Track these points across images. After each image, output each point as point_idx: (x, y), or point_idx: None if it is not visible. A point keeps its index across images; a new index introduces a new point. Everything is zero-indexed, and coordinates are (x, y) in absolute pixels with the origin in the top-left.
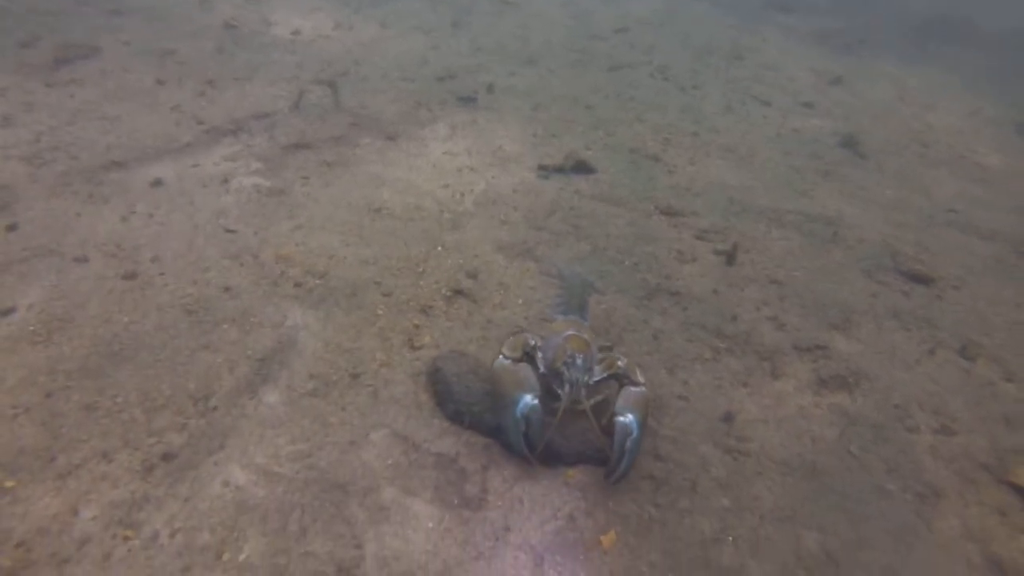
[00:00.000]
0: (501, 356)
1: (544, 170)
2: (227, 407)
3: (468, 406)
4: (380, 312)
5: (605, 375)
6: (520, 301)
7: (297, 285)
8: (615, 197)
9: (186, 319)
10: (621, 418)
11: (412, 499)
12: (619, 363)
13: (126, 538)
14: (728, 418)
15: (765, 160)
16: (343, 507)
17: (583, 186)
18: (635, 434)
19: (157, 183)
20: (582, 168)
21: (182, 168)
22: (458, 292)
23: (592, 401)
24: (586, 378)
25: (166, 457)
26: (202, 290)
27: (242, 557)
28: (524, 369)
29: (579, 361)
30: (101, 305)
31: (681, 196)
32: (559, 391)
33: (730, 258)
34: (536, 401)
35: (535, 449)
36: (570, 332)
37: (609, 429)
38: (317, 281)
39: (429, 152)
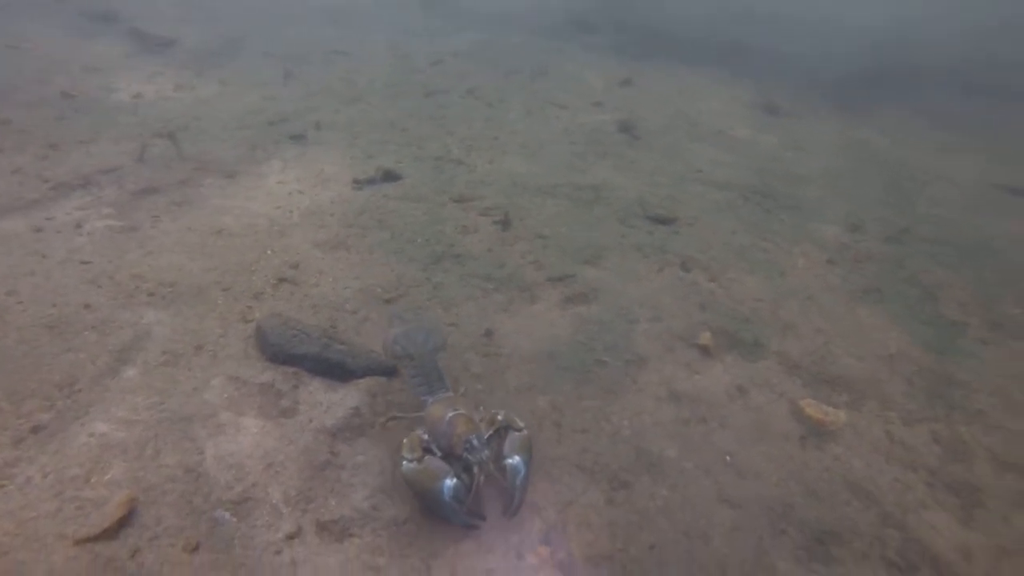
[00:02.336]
0: (404, 461)
1: (358, 183)
2: (90, 387)
3: (280, 347)
4: (220, 302)
5: (491, 431)
6: (331, 279)
7: (150, 294)
8: (416, 195)
9: (48, 333)
10: (510, 460)
11: (242, 417)
12: (499, 417)
13: (1, 486)
14: (488, 333)
15: (552, 151)
16: (188, 431)
17: (390, 191)
18: (523, 472)
19: (6, 236)
20: (390, 177)
21: (32, 220)
22: (283, 280)
23: (492, 462)
24: (486, 453)
25: (35, 430)
26: (62, 310)
27: (107, 477)
28: (430, 462)
29: (476, 443)
30: None
31: (474, 187)
32: (468, 469)
33: (505, 225)
34: (455, 480)
35: (475, 514)
36: (450, 415)
37: (501, 471)
38: (168, 289)
39: (264, 184)
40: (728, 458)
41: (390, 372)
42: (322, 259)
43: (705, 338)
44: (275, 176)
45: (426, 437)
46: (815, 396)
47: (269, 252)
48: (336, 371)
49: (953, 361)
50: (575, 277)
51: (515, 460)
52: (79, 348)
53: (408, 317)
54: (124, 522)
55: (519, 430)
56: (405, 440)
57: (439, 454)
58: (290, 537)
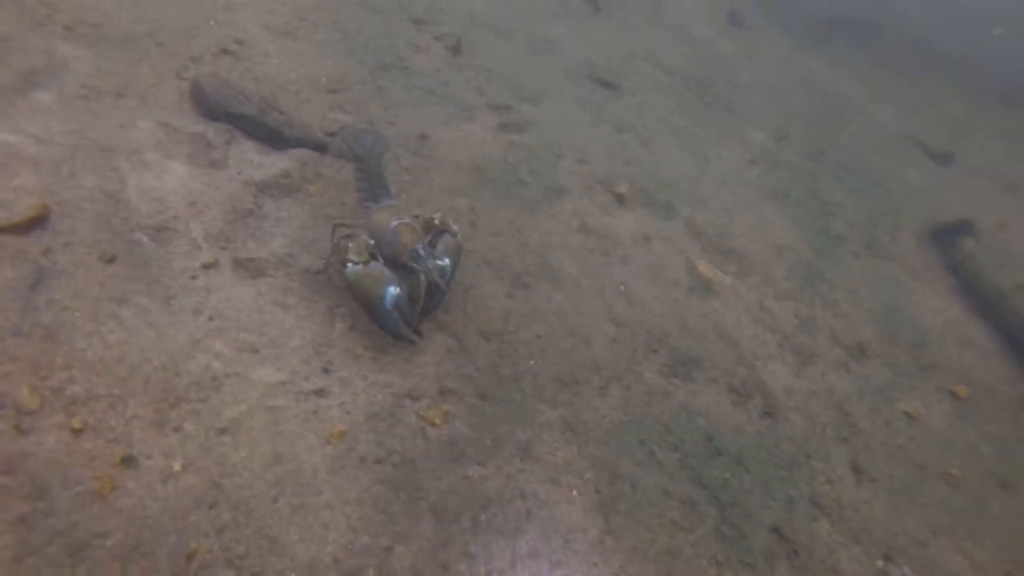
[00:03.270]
0: (350, 264)
1: None
2: None
3: (217, 103)
4: (153, 55)
5: (430, 236)
6: (276, 62)
7: (67, 28)
8: (374, 7)
9: None
10: (440, 261)
11: (170, 161)
12: (435, 221)
13: None
14: (423, 137)
15: (513, 2)
16: (111, 160)
17: None
18: (449, 273)
19: None
20: None
21: None
22: (225, 51)
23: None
24: (432, 262)
25: None
26: None
27: (15, 182)
28: (375, 267)
29: (421, 251)
30: None
31: (432, 13)
32: (414, 278)
33: (455, 51)
34: (399, 290)
35: (412, 328)
36: (396, 223)
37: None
38: (89, 29)
39: None
40: (622, 287)
41: (322, 147)
42: (269, 42)
43: (623, 188)
44: None
45: (372, 243)
46: (710, 260)
47: (212, 23)
48: (271, 136)
49: (828, 263)
50: (513, 109)
51: (444, 262)
52: None
53: (355, 126)
54: (36, 223)
55: (453, 234)
56: (351, 243)
57: (383, 261)
58: (206, 267)
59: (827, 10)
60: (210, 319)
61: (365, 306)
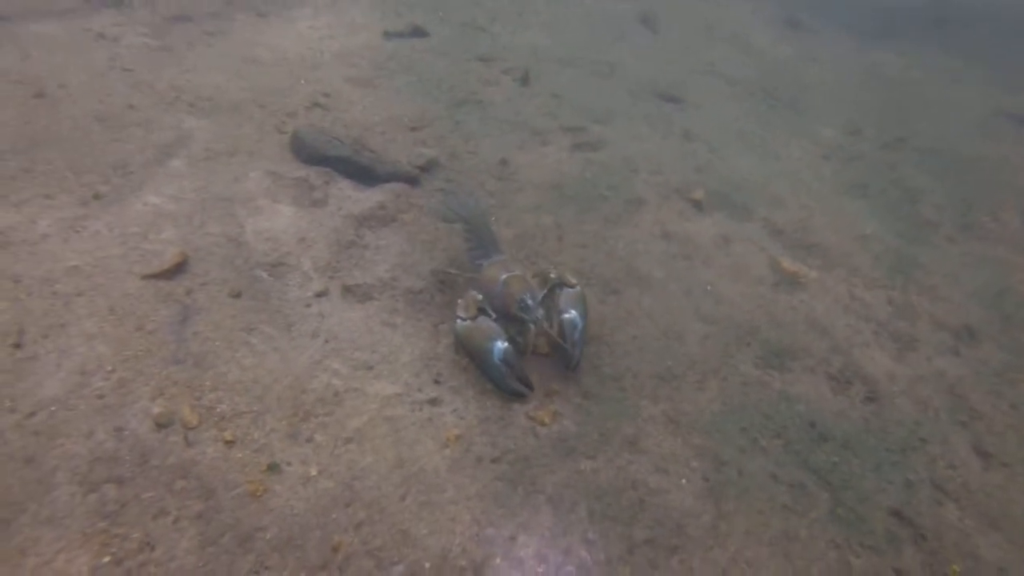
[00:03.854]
0: (459, 319)
1: (387, 35)
2: (141, 171)
3: (314, 148)
4: (256, 116)
5: (545, 289)
6: (360, 108)
7: (190, 105)
8: (443, 51)
9: (98, 124)
10: (566, 315)
11: (278, 204)
12: (551, 275)
13: (76, 231)
14: (504, 163)
15: (572, 30)
16: (230, 209)
17: (418, 44)
18: (580, 325)
19: (46, 37)
20: (418, 32)
21: (70, 28)
22: (316, 104)
23: (549, 321)
24: (540, 312)
25: (96, 196)
26: (108, 107)
27: (162, 236)
28: (484, 321)
29: (530, 302)
30: (18, 113)
31: (497, 51)
32: (524, 329)
33: (524, 81)
34: (507, 344)
35: (522, 380)
36: (505, 276)
37: (557, 326)
38: (206, 102)
39: (295, 27)
40: (708, 287)
41: (413, 180)
42: (352, 92)
43: (699, 194)
44: (306, 21)
45: (480, 298)
46: (792, 256)
47: (302, 82)
48: (364, 174)
49: (919, 249)
50: (585, 130)
51: (571, 314)
52: (127, 140)
53: (453, 188)
54: (178, 269)
55: (572, 286)
56: (460, 300)
57: (493, 316)
58: (319, 295)
59: (887, 2)
60: (326, 341)
61: (474, 360)
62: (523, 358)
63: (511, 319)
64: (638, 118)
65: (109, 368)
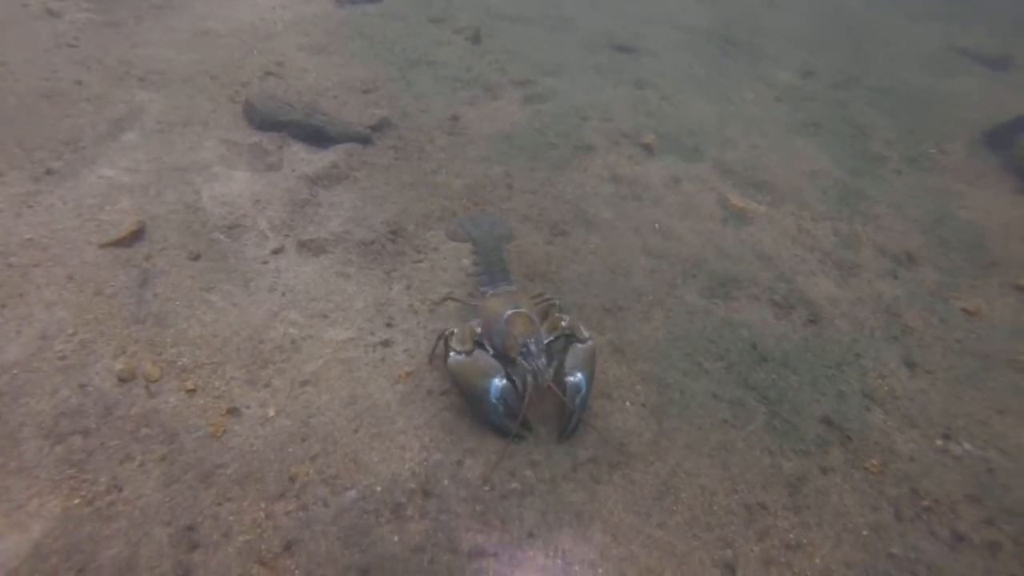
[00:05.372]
0: (453, 353)
1: (340, 2)
2: (94, 145)
3: (267, 114)
4: (209, 87)
5: (552, 337)
6: (313, 74)
7: (141, 79)
8: (395, 14)
9: (45, 101)
10: (571, 377)
11: (233, 170)
12: (563, 323)
13: (29, 206)
14: (455, 118)
15: (540, 34)
16: (186, 178)
17: (371, 9)
18: (584, 391)
19: None
20: None
21: (8, 3)
22: (269, 73)
23: (549, 371)
24: (542, 360)
25: (49, 172)
26: (55, 84)
27: (118, 206)
28: (481, 356)
29: (533, 347)
30: None
31: (450, 11)
32: (521, 375)
33: (475, 39)
34: (505, 381)
35: (516, 419)
36: (510, 312)
37: (560, 385)
38: (158, 76)
39: None
40: (656, 225)
41: (365, 140)
42: (305, 59)
43: (649, 138)
44: None
45: (479, 331)
46: (742, 193)
47: (255, 52)
48: (317, 136)
49: (866, 182)
50: (536, 83)
51: (577, 377)
52: (78, 115)
53: (475, 213)
54: (136, 237)
55: (583, 341)
56: (456, 330)
57: (491, 351)
58: (275, 252)
59: None
60: (283, 295)
61: (468, 399)
62: (521, 402)
63: (510, 361)
64: (590, 69)
65: (70, 331)
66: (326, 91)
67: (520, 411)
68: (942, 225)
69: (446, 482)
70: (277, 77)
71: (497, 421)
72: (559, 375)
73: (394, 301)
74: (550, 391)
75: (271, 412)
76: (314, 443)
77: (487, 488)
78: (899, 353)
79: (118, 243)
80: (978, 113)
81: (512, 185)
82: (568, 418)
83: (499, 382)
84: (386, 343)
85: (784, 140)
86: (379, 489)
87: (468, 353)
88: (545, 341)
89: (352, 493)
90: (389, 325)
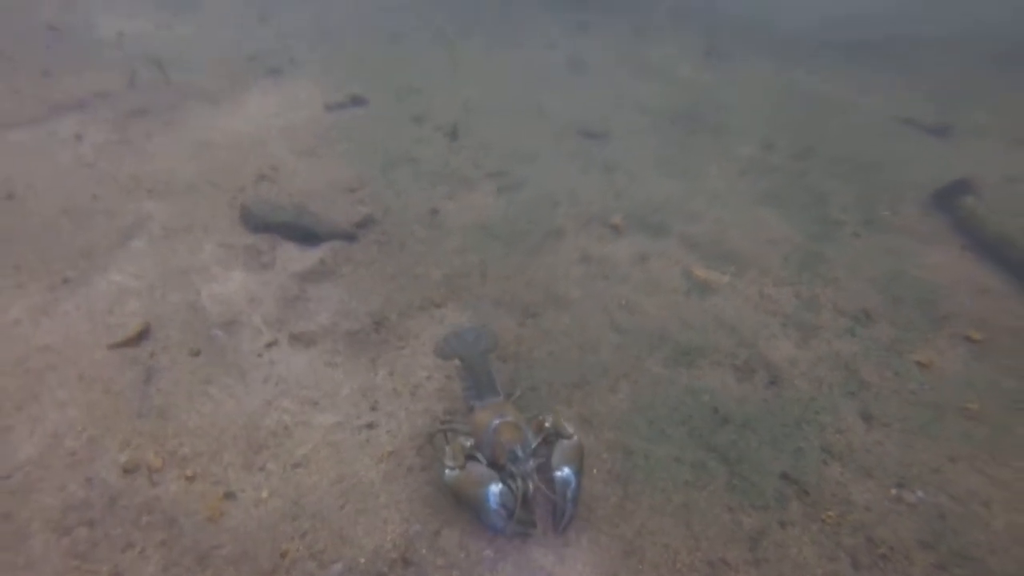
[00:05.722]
0: (447, 470)
1: (329, 107)
2: (106, 254)
3: (260, 217)
4: (209, 193)
5: (539, 439)
6: (303, 177)
7: (149, 191)
8: (381, 115)
9: (64, 217)
10: (559, 473)
11: (230, 271)
12: (547, 424)
13: (46, 314)
14: (434, 212)
15: (503, 80)
16: (187, 279)
17: (357, 113)
18: (573, 484)
19: (16, 144)
20: (358, 102)
21: (37, 133)
22: (263, 177)
23: (538, 472)
24: (531, 464)
25: (65, 281)
26: (74, 201)
27: (126, 309)
28: (473, 468)
29: (520, 453)
30: None
31: (429, 109)
32: (514, 479)
33: (452, 136)
34: (501, 486)
35: (524, 520)
36: (497, 422)
37: (548, 482)
38: (163, 186)
39: (245, 109)
40: (623, 302)
41: (351, 236)
42: (296, 163)
43: (617, 219)
44: (254, 103)
45: (470, 444)
46: (706, 265)
47: (251, 158)
48: (306, 235)
49: (826, 246)
50: (509, 173)
51: (564, 472)
52: (92, 228)
53: (460, 325)
54: (142, 336)
55: (568, 437)
56: (448, 447)
57: (484, 462)
58: (269, 345)
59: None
60: (276, 384)
61: (469, 509)
62: (518, 503)
63: (500, 469)
64: (560, 156)
65: (79, 429)
66: (315, 192)
67: (517, 512)
68: (896, 283)
69: (424, 551)
70: (271, 181)
71: (500, 525)
72: (547, 472)
73: (378, 386)
74: (546, 487)
75: (264, 494)
76: (304, 521)
77: (463, 555)
78: (856, 407)
79: (125, 343)
80: (926, 176)
81: (486, 273)
82: (560, 513)
83: (495, 488)
84: (371, 425)
85: (747, 211)
86: (363, 560)
87: (461, 467)
88: (533, 445)
89: (338, 566)
90: (374, 409)
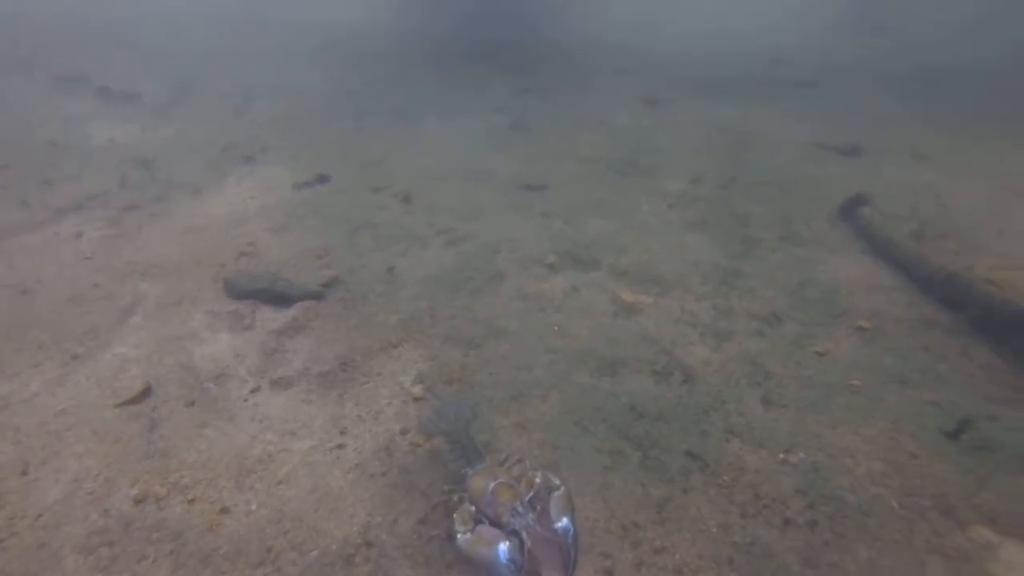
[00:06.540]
0: (459, 535)
1: (297, 186)
2: (108, 331)
3: (241, 286)
4: (195, 271)
5: (531, 493)
6: (277, 250)
7: (142, 274)
8: (343, 190)
9: (70, 304)
10: (559, 524)
11: (217, 333)
12: (536, 480)
13: (60, 385)
14: (390, 269)
15: (453, 148)
16: (180, 344)
17: (322, 189)
18: (572, 531)
19: (28, 247)
20: (322, 179)
21: (44, 235)
22: (242, 254)
23: (539, 522)
24: (531, 516)
25: (75, 357)
26: (77, 290)
27: (129, 375)
28: (482, 530)
29: (520, 508)
30: (6, 308)
31: (386, 179)
32: (517, 534)
33: (406, 200)
34: (508, 543)
35: (529, 572)
36: (492, 485)
37: (552, 532)
38: (155, 268)
39: (224, 195)
40: (556, 328)
41: (319, 296)
42: (271, 238)
43: (551, 259)
44: (232, 188)
45: (473, 509)
46: (633, 290)
47: (231, 238)
48: (281, 299)
49: (744, 263)
50: (456, 229)
51: (563, 523)
52: (95, 311)
53: (439, 395)
54: (144, 395)
55: (556, 489)
56: (456, 514)
57: (486, 522)
58: (253, 391)
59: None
60: (260, 422)
61: (482, 567)
62: (523, 555)
63: (504, 526)
64: (504, 210)
65: (96, 473)
66: (287, 261)
67: (525, 564)
68: (804, 288)
69: (385, 536)
70: (249, 256)
71: None
72: (549, 524)
73: (346, 415)
74: (548, 539)
75: (254, 507)
76: (286, 523)
77: (415, 536)
78: (759, 395)
79: (130, 402)
80: (836, 193)
81: (435, 315)
82: (566, 557)
83: (504, 545)
84: (340, 446)
85: (674, 240)
86: (334, 547)
87: (471, 531)
88: (527, 498)
89: (314, 553)
90: (343, 433)
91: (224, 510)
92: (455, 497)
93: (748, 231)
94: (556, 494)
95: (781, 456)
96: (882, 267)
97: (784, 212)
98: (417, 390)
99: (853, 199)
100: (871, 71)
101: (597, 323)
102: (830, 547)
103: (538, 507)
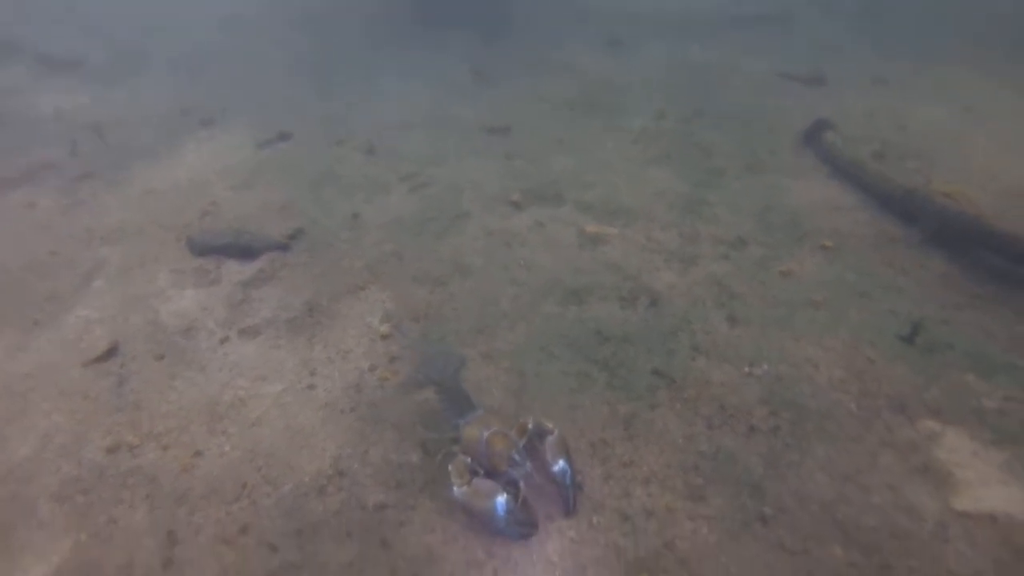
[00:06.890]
0: (455, 488)
1: (259, 145)
2: (70, 296)
3: (204, 243)
4: (158, 234)
5: (525, 440)
6: (240, 206)
7: (103, 239)
8: (305, 144)
9: (29, 272)
10: (556, 467)
11: (183, 290)
12: (528, 425)
13: (22, 350)
14: (355, 216)
15: (416, 99)
16: (146, 303)
17: (284, 146)
18: (569, 472)
19: None
20: (284, 137)
21: None
22: (206, 213)
23: (536, 468)
24: (528, 465)
25: (36, 323)
26: (35, 258)
27: (94, 336)
28: (479, 483)
29: (516, 457)
30: None
31: (348, 133)
32: (514, 482)
33: (370, 151)
34: (505, 496)
35: (527, 522)
36: (486, 434)
37: (549, 476)
38: (116, 234)
39: (185, 158)
40: (521, 261)
41: (284, 247)
42: (234, 196)
43: (516, 196)
44: (192, 152)
45: (469, 460)
46: (598, 222)
47: (192, 199)
48: (246, 252)
49: (709, 192)
50: (420, 174)
51: (560, 465)
52: (55, 277)
53: (424, 346)
54: (111, 353)
55: (551, 432)
56: (451, 467)
57: (483, 473)
58: (222, 341)
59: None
60: (231, 370)
61: (480, 520)
62: (518, 504)
63: (500, 475)
64: (467, 154)
65: (66, 428)
66: (251, 216)
67: (519, 515)
68: (769, 212)
69: (356, 465)
70: (213, 215)
71: (510, 531)
72: (546, 468)
73: (315, 358)
74: (547, 483)
75: (227, 448)
76: (259, 461)
77: (385, 465)
78: (724, 314)
79: (97, 360)
80: (800, 122)
81: (402, 257)
82: (566, 498)
83: (501, 499)
84: (311, 387)
85: (639, 173)
86: (307, 479)
87: (468, 483)
88: (521, 444)
89: (288, 486)
90: (312, 374)
91: (198, 453)
92: (447, 447)
93: (713, 162)
94: (550, 438)
95: (746, 369)
96: (845, 189)
97: (749, 142)
98: (384, 328)
99: (816, 124)
100: (832, 3)
101: (563, 255)
102: (791, 449)
103: (533, 453)
